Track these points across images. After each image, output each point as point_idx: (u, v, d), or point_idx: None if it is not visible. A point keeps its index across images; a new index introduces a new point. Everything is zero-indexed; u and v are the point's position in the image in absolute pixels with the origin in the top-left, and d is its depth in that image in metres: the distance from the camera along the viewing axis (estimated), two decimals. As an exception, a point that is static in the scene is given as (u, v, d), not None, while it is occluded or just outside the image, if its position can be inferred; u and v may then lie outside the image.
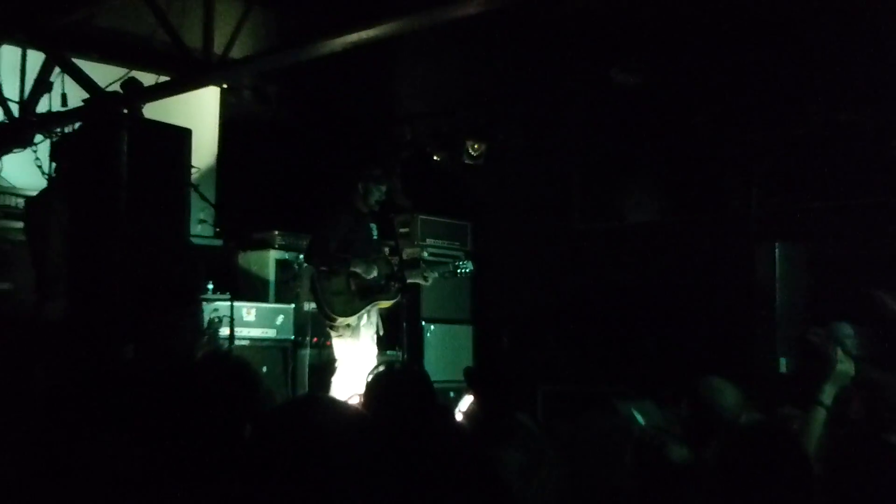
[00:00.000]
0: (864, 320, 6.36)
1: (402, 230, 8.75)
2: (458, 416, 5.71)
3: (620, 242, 9.34)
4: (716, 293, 8.42)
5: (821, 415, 3.87)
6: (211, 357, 5.87)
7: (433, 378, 8.54)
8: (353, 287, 7.30)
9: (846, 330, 6.16)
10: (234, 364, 4.72)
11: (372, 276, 7.35)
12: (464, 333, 9.53)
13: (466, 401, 6.09)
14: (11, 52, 6.57)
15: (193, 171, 6.86)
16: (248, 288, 8.56)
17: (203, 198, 7.77)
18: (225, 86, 9.04)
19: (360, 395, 3.83)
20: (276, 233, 8.78)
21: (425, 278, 8.03)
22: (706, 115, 8.33)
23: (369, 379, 3.78)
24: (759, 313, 8.17)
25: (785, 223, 8.26)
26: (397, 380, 3.79)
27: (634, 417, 6.05)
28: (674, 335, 8.32)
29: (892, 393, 5.46)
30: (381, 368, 4.24)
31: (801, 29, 7.32)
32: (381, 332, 7.64)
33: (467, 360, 9.07)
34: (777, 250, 8.22)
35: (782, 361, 8.01)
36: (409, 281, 7.68)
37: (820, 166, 8.26)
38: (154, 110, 6.58)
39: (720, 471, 2.78)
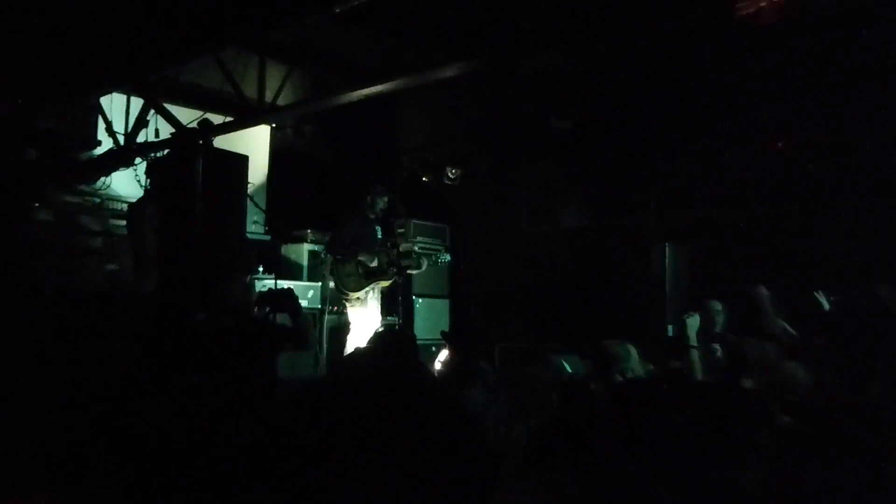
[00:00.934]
0: (732, 300, 6.42)
1: (399, 230, 8.81)
2: (438, 366, 5.75)
3: (556, 242, 9.37)
4: (624, 279, 8.47)
5: (694, 354, 3.91)
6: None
7: (421, 337, 8.70)
8: (360, 271, 7.39)
9: (717, 306, 6.23)
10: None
11: (374, 264, 7.44)
12: (443, 305, 9.54)
13: (443, 354, 6.14)
14: (119, 98, 6.58)
15: (249, 186, 6.88)
16: (288, 270, 8.54)
17: (256, 205, 7.81)
18: (274, 125, 9.05)
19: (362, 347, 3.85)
20: (309, 231, 8.76)
21: (419, 265, 8.12)
22: (618, 148, 8.37)
23: (373, 334, 3.82)
24: (654, 294, 8.24)
25: (673, 229, 8.30)
26: (392, 335, 3.84)
27: (564, 367, 6.06)
28: (593, 309, 8.35)
29: (748, 349, 5.53)
30: (381, 328, 4.32)
31: (685, 83, 7.33)
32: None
33: (445, 324, 9.10)
34: (667, 249, 8.29)
35: (669, 328, 8.09)
36: (405, 267, 7.82)
37: (700, 186, 8.33)
38: (222, 142, 6.59)
39: (623, 403, 2.79)
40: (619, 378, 4.09)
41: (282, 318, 4.63)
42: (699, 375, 3.82)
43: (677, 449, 2.50)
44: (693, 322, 4.09)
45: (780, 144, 7.54)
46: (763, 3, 6.94)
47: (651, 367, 4.64)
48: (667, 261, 8.28)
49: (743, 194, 8.00)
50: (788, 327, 5.57)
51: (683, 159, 8.27)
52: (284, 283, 7.90)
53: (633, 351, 4.44)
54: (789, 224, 7.80)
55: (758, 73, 7.00)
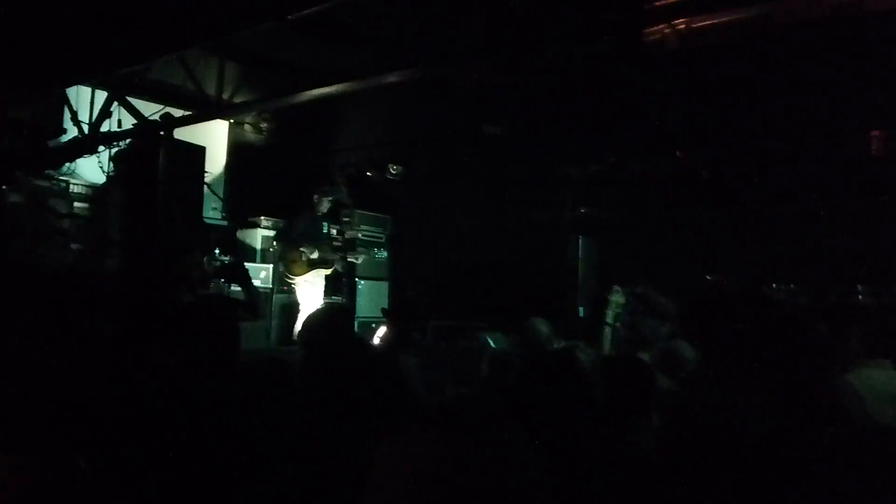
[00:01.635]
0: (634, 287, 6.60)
1: (345, 219, 8.84)
2: (377, 339, 5.79)
3: (485, 233, 9.46)
4: (542, 268, 8.62)
5: (607, 331, 3.99)
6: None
7: (364, 315, 8.70)
8: (302, 259, 7.58)
9: (617, 288, 6.40)
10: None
11: (315, 254, 7.62)
12: (383, 287, 9.55)
13: (382, 329, 6.18)
14: (84, 90, 6.38)
15: (208, 175, 6.77)
16: (243, 253, 8.43)
17: (214, 193, 7.70)
18: (232, 121, 8.90)
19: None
20: (262, 217, 8.68)
21: (356, 258, 8.30)
22: (540, 153, 8.49)
23: (312, 311, 3.82)
24: (568, 281, 8.41)
25: (586, 224, 8.48)
26: (328, 312, 3.83)
27: (488, 342, 6.16)
28: (516, 293, 8.46)
29: (644, 328, 5.69)
30: (321, 306, 4.32)
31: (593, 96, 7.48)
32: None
33: (385, 304, 9.11)
34: (580, 241, 8.47)
35: (581, 310, 8.28)
36: (344, 258, 8.02)
37: (610, 188, 8.52)
38: (183, 135, 6.45)
39: (536, 375, 2.83)
40: (539, 350, 4.19)
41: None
42: (605, 350, 3.92)
43: (584, 414, 2.54)
44: (617, 299, 4.20)
45: (678, 153, 7.75)
46: (667, 31, 7.11)
47: (563, 343, 4.76)
48: (580, 252, 8.47)
49: (646, 195, 8.22)
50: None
51: (596, 164, 8.44)
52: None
53: (547, 328, 4.55)
54: (684, 222, 8.05)
55: (661, 90, 7.18)
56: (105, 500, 1.45)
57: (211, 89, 6.25)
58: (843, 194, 7.07)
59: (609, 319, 4.40)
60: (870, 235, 6.71)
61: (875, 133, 6.87)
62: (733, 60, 6.76)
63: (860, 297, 6.61)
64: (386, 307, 8.16)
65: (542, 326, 4.63)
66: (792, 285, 7.06)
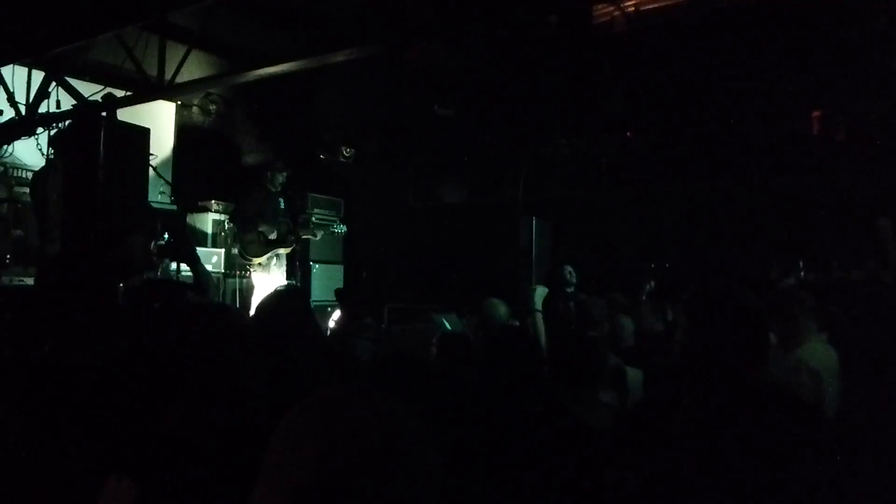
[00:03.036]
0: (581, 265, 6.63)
1: (297, 203, 8.65)
2: (331, 323, 5.70)
3: (437, 215, 9.42)
4: (495, 249, 8.60)
5: (538, 317, 3.99)
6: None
7: (317, 298, 8.55)
8: (261, 239, 7.22)
9: (568, 268, 6.42)
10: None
11: (273, 235, 7.27)
12: (338, 270, 9.38)
13: (336, 313, 6.10)
14: (20, 70, 6.11)
15: (153, 157, 6.49)
16: (193, 238, 8.22)
17: (161, 177, 7.45)
18: (179, 103, 8.65)
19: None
20: (213, 201, 8.47)
21: (314, 235, 7.99)
22: (492, 134, 8.46)
23: (267, 293, 3.72)
24: (521, 262, 8.40)
25: (538, 206, 8.48)
26: (277, 294, 3.73)
27: (443, 324, 6.12)
28: (469, 274, 8.45)
29: (591, 306, 5.72)
30: (278, 287, 4.20)
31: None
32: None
33: (339, 286, 9.01)
34: (534, 222, 8.46)
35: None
36: (302, 236, 7.68)
37: (560, 169, 8.53)
38: (127, 117, 6.22)
39: (491, 351, 2.82)
40: (496, 328, 4.18)
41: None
42: (542, 336, 3.92)
43: (536, 386, 2.56)
44: (541, 292, 4.19)
45: (628, 134, 7.79)
46: (616, 13, 7.12)
47: (517, 323, 4.74)
48: (533, 233, 8.46)
49: (596, 177, 8.26)
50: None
51: (547, 146, 8.44)
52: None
53: (506, 308, 4.53)
54: (632, 202, 8.11)
55: (610, 72, 7.19)
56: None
57: (153, 70, 6.03)
58: (781, 173, 7.18)
59: (537, 305, 4.43)
60: (807, 213, 6.84)
61: (815, 113, 6.99)
62: (681, 41, 6.81)
63: (801, 273, 6.73)
64: (339, 288, 8.05)
65: (501, 306, 4.60)
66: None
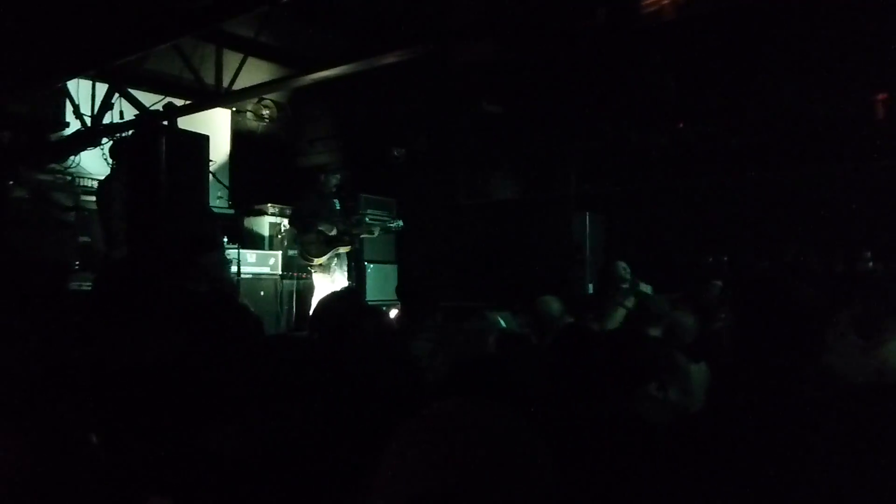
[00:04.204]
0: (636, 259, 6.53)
1: (351, 204, 8.73)
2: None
3: (488, 213, 9.40)
4: (548, 245, 8.54)
5: (620, 313, 3.94)
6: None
7: (372, 298, 8.62)
8: (321, 238, 7.32)
9: (622, 265, 6.32)
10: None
11: (332, 233, 7.35)
12: (391, 270, 9.46)
13: (393, 312, 6.14)
14: (85, 83, 6.33)
15: (211, 163, 6.71)
16: (250, 240, 8.38)
17: (219, 182, 7.66)
18: (234, 109, 8.84)
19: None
20: (269, 204, 8.59)
21: (371, 232, 8.09)
22: (542, 130, 8.40)
23: (322, 297, 3.77)
24: (575, 258, 8.33)
25: (591, 200, 8.39)
26: (334, 297, 3.78)
27: (498, 321, 6.10)
28: (522, 271, 8.41)
29: (650, 303, 5.62)
30: (331, 293, 4.26)
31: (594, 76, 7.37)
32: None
33: (393, 287, 9.06)
34: (587, 217, 8.38)
35: (589, 286, 8.20)
36: (359, 234, 7.78)
37: (610, 166, 8.42)
38: (185, 123, 6.40)
39: (551, 352, 2.79)
40: (553, 327, 4.15)
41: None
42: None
43: (596, 385, 2.55)
44: (644, 289, 4.19)
45: (680, 125, 7.63)
46: (665, 1, 6.97)
47: (571, 319, 4.70)
48: (586, 228, 8.38)
49: (649, 169, 8.12)
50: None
51: (598, 139, 8.34)
52: (251, 255, 7.87)
53: (561, 305, 4.50)
54: (687, 194, 7.95)
55: (660, 62, 7.06)
56: (116, 478, 1.42)
57: (210, 78, 6.19)
58: (846, 160, 6.93)
59: (629, 304, 4.38)
60: (874, 201, 6.58)
61: (880, 97, 6.73)
62: (732, 28, 6.64)
63: (869, 264, 6.50)
64: (399, 285, 8.09)
65: (554, 304, 4.57)
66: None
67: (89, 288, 6.41)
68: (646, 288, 5.28)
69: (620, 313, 5.26)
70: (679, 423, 2.77)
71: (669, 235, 7.85)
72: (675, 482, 1.84)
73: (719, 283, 5.65)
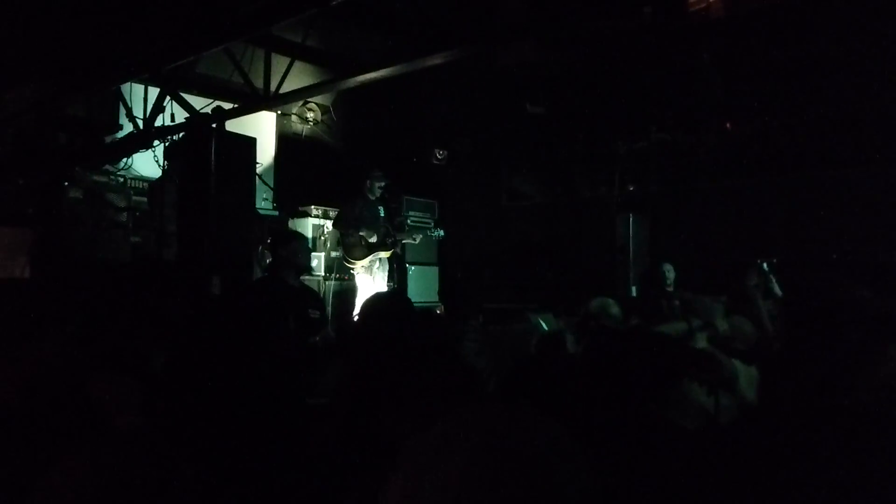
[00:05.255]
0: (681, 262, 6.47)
1: (393, 206, 8.81)
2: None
3: (531, 214, 9.39)
4: (593, 245, 8.50)
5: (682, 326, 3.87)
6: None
7: (414, 300, 8.64)
8: (362, 243, 7.47)
9: (666, 265, 6.28)
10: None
11: (374, 238, 7.49)
12: (433, 272, 9.51)
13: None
14: (137, 87, 6.53)
15: (259, 165, 6.86)
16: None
17: (265, 183, 7.80)
18: (279, 112, 9.01)
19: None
20: (313, 206, 8.70)
21: (413, 239, 8.17)
22: (585, 131, 8.37)
23: (369, 298, 3.82)
24: (619, 259, 8.27)
25: (634, 202, 8.33)
26: (381, 298, 3.83)
27: (540, 324, 6.09)
28: (567, 273, 8.39)
29: (698, 306, 5.56)
30: (375, 293, 4.34)
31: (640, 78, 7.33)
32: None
33: (435, 289, 9.08)
34: (630, 219, 8.31)
35: (633, 289, 8.14)
36: (402, 241, 7.89)
37: (655, 167, 8.35)
38: (232, 126, 6.55)
39: (596, 349, 2.74)
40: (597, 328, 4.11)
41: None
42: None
43: (632, 391, 2.48)
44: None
45: (728, 125, 7.54)
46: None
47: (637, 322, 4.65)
48: (630, 230, 8.32)
49: (695, 170, 8.03)
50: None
51: (643, 140, 8.28)
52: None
53: (620, 309, 4.44)
54: (733, 195, 7.84)
55: (708, 61, 6.99)
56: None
57: (258, 81, 6.32)
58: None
59: (696, 325, 4.31)
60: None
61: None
62: (781, 26, 6.55)
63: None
64: (436, 293, 8.14)
65: (613, 307, 4.47)
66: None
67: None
68: (712, 305, 5.19)
69: (681, 327, 5.20)
70: (727, 428, 2.74)
71: (716, 237, 7.74)
72: (723, 488, 1.82)
73: (771, 279, 5.56)
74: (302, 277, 5.08)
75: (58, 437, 1.46)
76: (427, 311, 5.35)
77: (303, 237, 5.39)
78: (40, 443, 1.43)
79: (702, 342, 4.03)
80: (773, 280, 5.58)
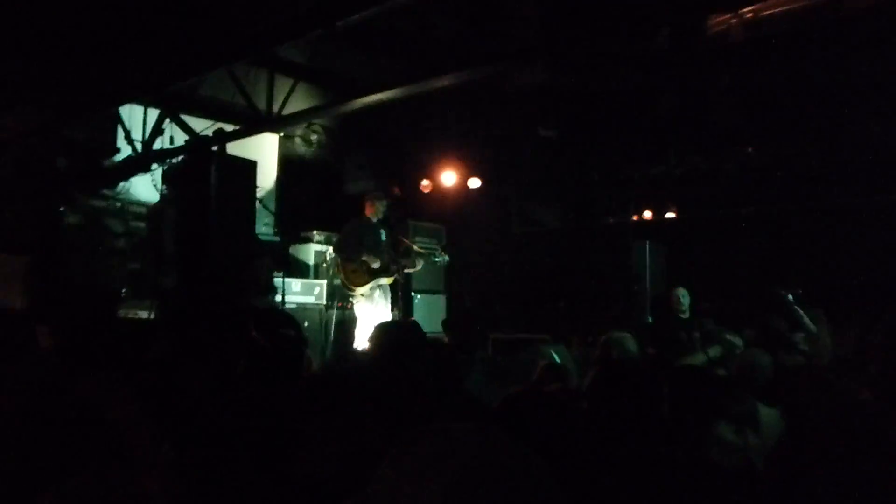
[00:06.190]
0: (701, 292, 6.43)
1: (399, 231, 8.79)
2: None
3: (542, 241, 9.38)
4: (607, 274, 8.47)
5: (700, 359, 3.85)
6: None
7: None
8: (363, 269, 7.39)
9: (680, 291, 6.23)
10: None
11: (376, 265, 7.42)
12: (440, 300, 9.48)
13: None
14: (136, 109, 6.58)
15: (259, 189, 6.88)
16: (296, 269, 8.50)
17: (266, 208, 7.82)
18: (282, 134, 9.06)
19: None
20: (315, 232, 8.73)
21: (415, 265, 8.08)
22: (599, 155, 8.37)
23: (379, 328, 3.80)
24: (635, 289, 8.24)
25: (651, 229, 8.32)
26: (389, 327, 3.80)
27: (552, 356, 6.06)
28: (581, 302, 8.35)
29: (720, 339, 5.50)
30: (383, 322, 4.31)
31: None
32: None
33: (440, 319, 9.07)
34: (647, 247, 8.30)
35: (650, 319, 8.10)
36: (403, 266, 7.81)
37: (673, 193, 8.35)
38: (234, 149, 6.58)
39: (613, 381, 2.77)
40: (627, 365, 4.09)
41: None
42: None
43: (653, 424, 2.51)
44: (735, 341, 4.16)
45: (749, 150, 7.54)
46: (733, 21, 6.95)
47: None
48: (646, 259, 8.30)
49: (715, 196, 8.03)
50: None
51: (660, 164, 8.28)
52: (296, 283, 7.99)
53: (637, 344, 4.42)
54: (755, 223, 7.82)
55: (728, 84, 7.01)
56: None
57: (261, 103, 6.38)
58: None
59: (713, 354, 4.27)
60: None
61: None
62: (805, 49, 6.56)
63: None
64: (446, 318, 8.10)
65: (629, 341, 4.44)
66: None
67: (136, 316, 6.59)
68: (734, 339, 5.16)
69: (700, 359, 5.16)
70: (756, 468, 2.71)
71: (736, 267, 7.71)
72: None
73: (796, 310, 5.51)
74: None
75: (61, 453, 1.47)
76: (436, 342, 5.34)
77: (261, 254, 5.38)
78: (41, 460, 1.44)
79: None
80: (801, 313, 5.52)
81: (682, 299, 6.21)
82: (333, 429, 2.13)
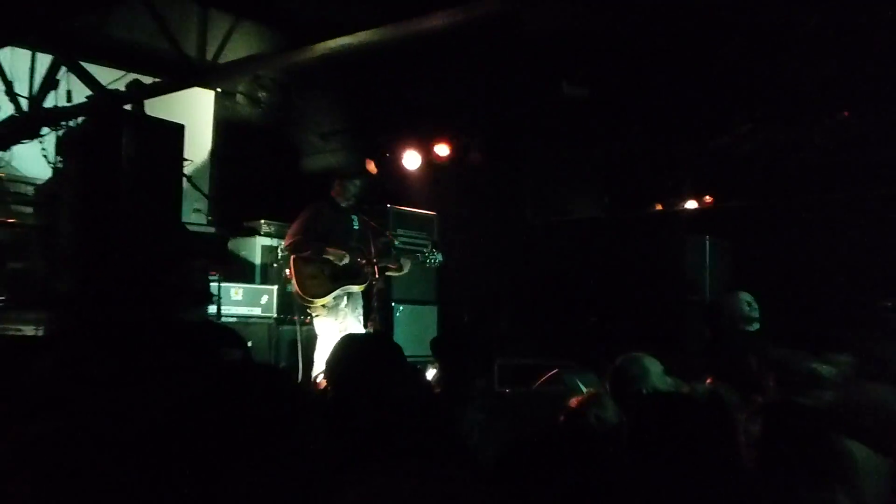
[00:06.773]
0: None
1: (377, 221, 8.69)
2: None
3: (567, 235, 9.35)
4: (653, 279, 8.43)
5: None
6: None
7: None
8: (325, 272, 7.24)
9: (745, 298, 6.15)
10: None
11: (344, 262, 7.27)
12: (429, 313, 9.37)
13: (431, 372, 6.07)
14: (23, 54, 6.45)
15: (188, 163, 6.80)
16: (237, 270, 8.42)
17: (196, 188, 7.75)
18: (219, 90, 8.97)
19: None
20: (263, 221, 8.66)
21: (400, 267, 7.92)
22: (644, 122, 8.32)
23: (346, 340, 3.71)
24: (690, 298, 8.18)
25: (711, 220, 8.28)
26: (350, 342, 3.71)
27: (578, 387, 6.01)
28: (613, 316, 8.33)
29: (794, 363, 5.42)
30: (350, 335, 4.22)
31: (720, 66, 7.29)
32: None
33: (432, 336, 8.99)
34: (706, 243, 8.24)
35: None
36: (382, 268, 7.66)
37: (740, 174, 8.30)
38: (154, 110, 6.47)
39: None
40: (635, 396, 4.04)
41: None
42: None
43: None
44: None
45: (845, 114, 7.46)
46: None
47: (671, 381, 4.55)
48: (705, 258, 8.25)
49: (795, 179, 7.99)
50: None
51: (722, 136, 8.22)
52: (236, 290, 7.90)
53: (653, 366, 4.34)
54: (847, 213, 7.79)
55: (815, 30, 6.94)
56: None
57: (191, 48, 6.30)
58: None
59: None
60: None
61: None
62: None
63: None
64: (436, 337, 8.00)
65: (653, 365, 4.39)
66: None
67: (17, 332, 6.47)
68: (821, 367, 5.10)
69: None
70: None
71: (824, 270, 7.66)
72: None
73: None
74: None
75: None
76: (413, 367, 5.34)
77: (192, 250, 5.30)
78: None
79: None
80: None
81: (745, 309, 6.13)
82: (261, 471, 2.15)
